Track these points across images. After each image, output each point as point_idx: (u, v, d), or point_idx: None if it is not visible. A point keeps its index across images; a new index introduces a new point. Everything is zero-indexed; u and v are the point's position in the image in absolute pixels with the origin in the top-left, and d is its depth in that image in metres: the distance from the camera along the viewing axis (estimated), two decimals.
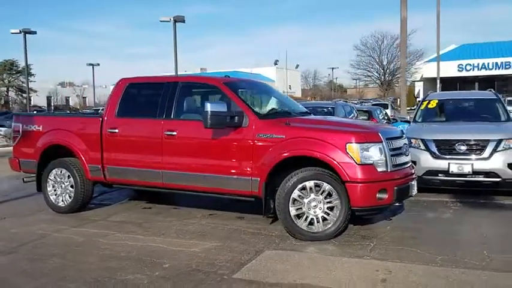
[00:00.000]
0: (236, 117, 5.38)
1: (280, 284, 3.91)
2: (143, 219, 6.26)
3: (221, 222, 5.98)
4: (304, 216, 5.12)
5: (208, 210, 6.61)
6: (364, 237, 5.26)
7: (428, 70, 39.24)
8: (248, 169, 5.38)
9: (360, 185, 4.89)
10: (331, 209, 5.08)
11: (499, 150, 7.01)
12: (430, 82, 40.68)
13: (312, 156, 5.03)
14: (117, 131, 6.24)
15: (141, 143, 6.13)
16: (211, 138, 5.58)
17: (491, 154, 7.02)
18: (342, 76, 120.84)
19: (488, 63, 38.44)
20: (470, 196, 7.23)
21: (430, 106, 8.93)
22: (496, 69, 38.13)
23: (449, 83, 34.31)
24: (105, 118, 6.34)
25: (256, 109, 5.68)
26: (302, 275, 4.08)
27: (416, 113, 8.95)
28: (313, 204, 5.09)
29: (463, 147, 7.17)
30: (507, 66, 37.65)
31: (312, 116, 6.20)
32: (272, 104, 6.26)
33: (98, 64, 51.27)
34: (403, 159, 5.43)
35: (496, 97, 8.85)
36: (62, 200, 6.60)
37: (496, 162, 6.97)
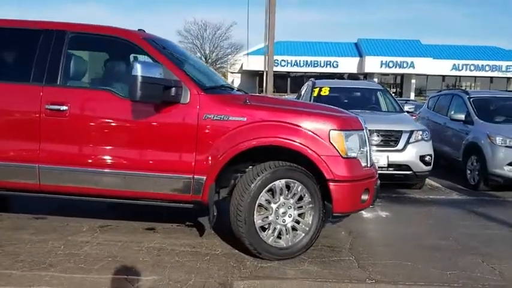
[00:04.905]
0: (173, 89, 3.69)
1: None
2: None
3: (128, 239, 4.18)
4: (272, 227, 3.78)
5: (93, 220, 4.68)
6: (332, 248, 4.19)
7: (248, 63, 40.32)
8: (189, 164, 3.76)
9: (347, 184, 3.78)
10: (301, 215, 3.87)
11: (412, 142, 6.74)
12: (247, 74, 42.03)
13: (290, 147, 3.70)
14: None
15: (2, 122, 3.89)
16: (132, 118, 3.76)
17: (404, 146, 6.71)
18: None
19: (299, 61, 41.50)
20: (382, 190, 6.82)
21: (322, 93, 8.34)
22: (306, 66, 41.41)
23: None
24: None
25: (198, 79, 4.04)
26: None
27: (311, 101, 8.26)
28: (282, 211, 3.80)
29: (377, 138, 6.71)
30: (315, 65, 41.23)
31: (263, 95, 4.82)
32: (204, 74, 4.60)
33: None
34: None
35: (382, 88, 8.77)
36: None
37: (409, 155, 6.68)
